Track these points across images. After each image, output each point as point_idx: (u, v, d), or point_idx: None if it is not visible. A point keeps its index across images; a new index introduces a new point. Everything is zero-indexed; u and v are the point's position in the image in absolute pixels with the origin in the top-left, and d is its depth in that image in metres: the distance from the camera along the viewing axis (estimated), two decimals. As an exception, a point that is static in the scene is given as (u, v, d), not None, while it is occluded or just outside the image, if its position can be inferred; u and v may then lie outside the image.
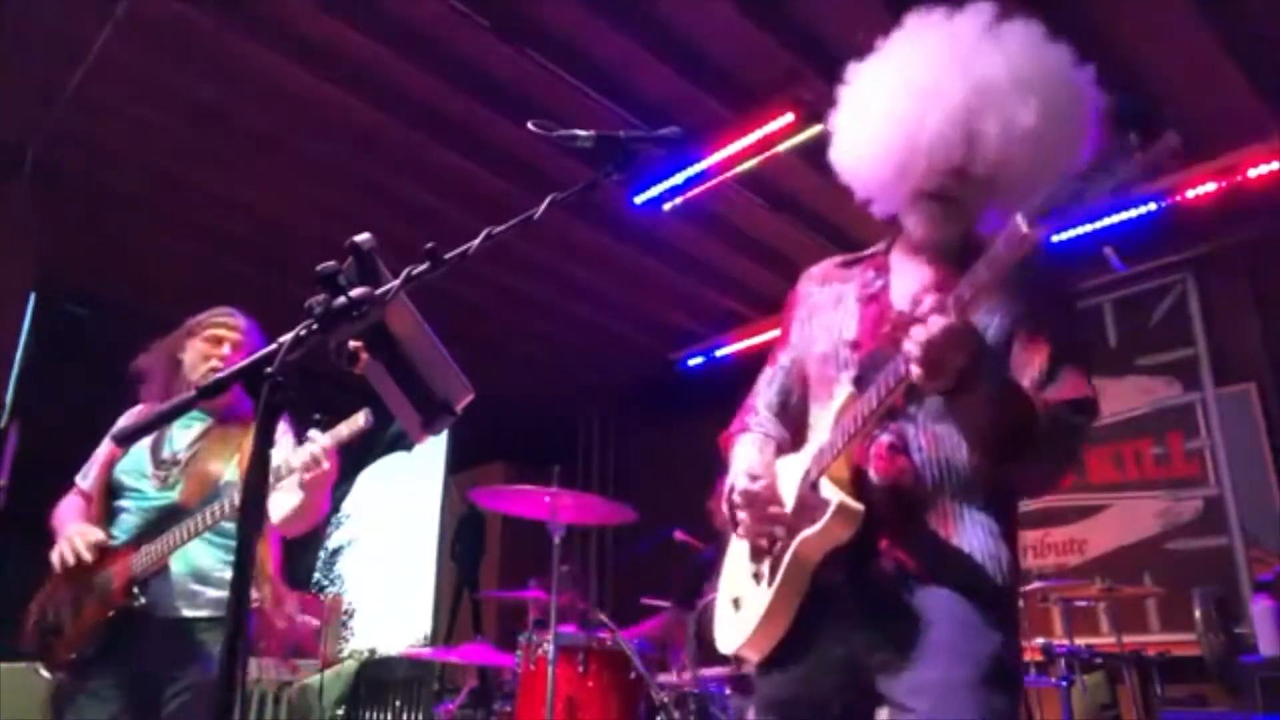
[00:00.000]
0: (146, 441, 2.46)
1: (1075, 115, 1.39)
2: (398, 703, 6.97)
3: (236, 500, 2.22)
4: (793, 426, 1.67)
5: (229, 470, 2.40)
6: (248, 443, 2.37)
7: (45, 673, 2.27)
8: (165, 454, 2.44)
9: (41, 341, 5.52)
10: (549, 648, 3.29)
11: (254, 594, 2.34)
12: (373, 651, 8.30)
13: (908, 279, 1.56)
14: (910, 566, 1.39)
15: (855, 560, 1.42)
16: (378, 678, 7.22)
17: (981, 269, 1.22)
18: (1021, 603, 4.06)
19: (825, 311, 1.64)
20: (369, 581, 47.97)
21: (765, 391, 1.74)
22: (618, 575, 7.62)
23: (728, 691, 3.72)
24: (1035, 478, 1.44)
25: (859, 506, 1.40)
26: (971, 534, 1.41)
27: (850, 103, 1.58)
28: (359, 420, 2.17)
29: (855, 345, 1.54)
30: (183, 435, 2.47)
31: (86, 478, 2.54)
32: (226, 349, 2.50)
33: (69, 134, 4.71)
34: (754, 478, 1.51)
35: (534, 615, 4.16)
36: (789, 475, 1.53)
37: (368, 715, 6.98)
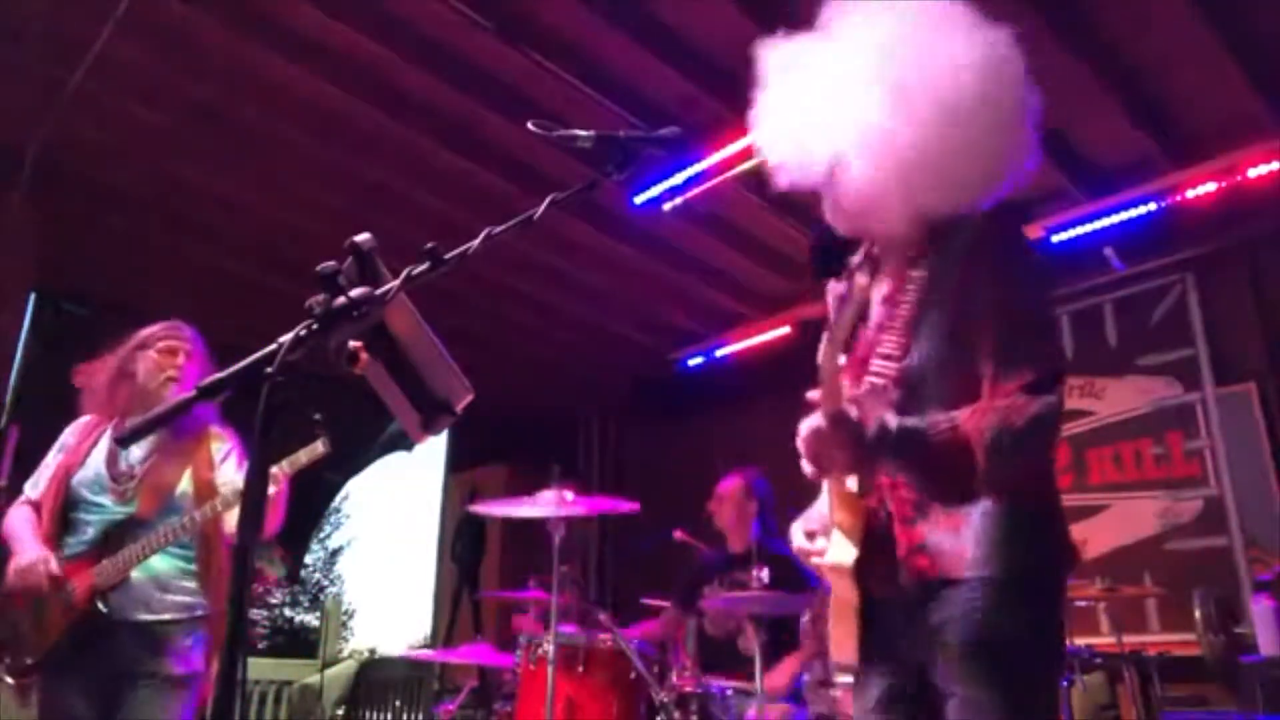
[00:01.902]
0: (101, 455, 2.54)
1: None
2: (398, 703, 6.99)
3: (196, 515, 2.38)
4: None
5: (183, 481, 2.50)
6: (199, 454, 2.53)
7: (7, 678, 2.33)
8: (122, 466, 2.51)
9: (41, 341, 5.52)
10: (549, 648, 3.29)
11: (204, 601, 2.46)
12: (373, 651, 8.30)
13: (881, 282, 1.65)
14: (929, 574, 1.45)
15: (886, 573, 1.49)
16: (378, 678, 7.23)
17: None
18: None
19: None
20: (369, 581, 47.95)
21: None
22: (618, 575, 7.62)
23: (729, 692, 3.72)
24: (1003, 483, 1.41)
25: (845, 563, 1.48)
26: (980, 529, 1.44)
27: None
28: (318, 448, 2.36)
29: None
30: (136, 448, 2.54)
31: (37, 487, 2.57)
32: (181, 359, 2.63)
33: (69, 134, 4.70)
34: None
35: (534, 615, 4.15)
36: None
37: (368, 715, 6.99)
